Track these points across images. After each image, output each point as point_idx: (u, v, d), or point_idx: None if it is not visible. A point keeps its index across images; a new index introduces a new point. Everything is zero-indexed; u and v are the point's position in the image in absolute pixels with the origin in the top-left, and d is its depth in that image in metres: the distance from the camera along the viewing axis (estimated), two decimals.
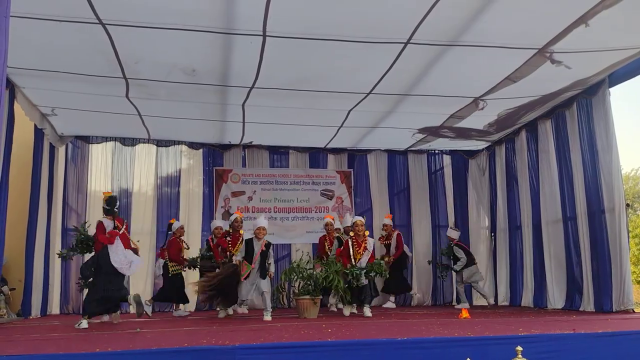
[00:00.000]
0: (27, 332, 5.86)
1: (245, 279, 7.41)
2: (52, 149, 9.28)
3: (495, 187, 10.91)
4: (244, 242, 7.75)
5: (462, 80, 7.45)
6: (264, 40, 6.08)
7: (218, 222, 9.35)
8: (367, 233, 8.10)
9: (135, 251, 7.16)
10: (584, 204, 7.96)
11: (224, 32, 5.93)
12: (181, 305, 8.88)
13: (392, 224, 10.09)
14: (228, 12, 5.53)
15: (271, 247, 7.71)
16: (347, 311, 7.92)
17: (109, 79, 7.12)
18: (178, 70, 6.95)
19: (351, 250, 7.91)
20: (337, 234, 9.00)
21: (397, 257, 9.79)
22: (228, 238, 8.55)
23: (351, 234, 8.15)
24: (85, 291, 7.40)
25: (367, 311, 7.72)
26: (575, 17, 5.75)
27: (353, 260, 7.83)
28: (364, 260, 7.84)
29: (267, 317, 7.18)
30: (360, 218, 8.30)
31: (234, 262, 7.69)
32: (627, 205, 7.57)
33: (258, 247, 7.48)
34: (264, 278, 7.40)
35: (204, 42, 6.16)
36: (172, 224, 8.92)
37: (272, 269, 7.63)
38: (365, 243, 7.96)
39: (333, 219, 9.33)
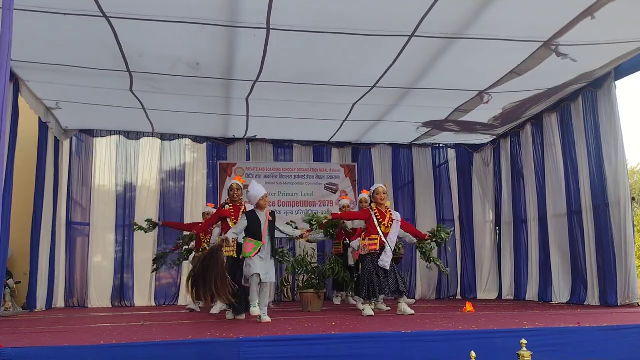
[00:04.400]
0: (33, 325, 5.89)
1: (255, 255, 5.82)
2: (57, 142, 9.29)
3: (500, 181, 10.87)
4: (244, 215, 6.13)
5: (467, 74, 7.41)
6: (267, 33, 6.07)
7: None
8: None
9: None
10: (590, 198, 7.94)
11: (227, 25, 5.92)
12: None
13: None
14: (232, 5, 5.51)
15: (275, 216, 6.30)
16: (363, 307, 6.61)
17: (113, 72, 7.11)
18: (182, 64, 6.94)
19: (375, 221, 6.60)
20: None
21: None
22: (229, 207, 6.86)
23: (372, 205, 6.83)
24: None
25: (404, 307, 6.49)
26: (581, 10, 5.71)
27: (382, 235, 6.54)
28: (393, 234, 6.60)
29: (265, 317, 5.72)
30: (382, 185, 6.92)
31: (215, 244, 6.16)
32: (633, 199, 7.55)
33: (264, 219, 6.00)
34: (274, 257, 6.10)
35: (208, 36, 6.14)
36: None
37: (297, 232, 6.78)
38: (391, 213, 6.71)
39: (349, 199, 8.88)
